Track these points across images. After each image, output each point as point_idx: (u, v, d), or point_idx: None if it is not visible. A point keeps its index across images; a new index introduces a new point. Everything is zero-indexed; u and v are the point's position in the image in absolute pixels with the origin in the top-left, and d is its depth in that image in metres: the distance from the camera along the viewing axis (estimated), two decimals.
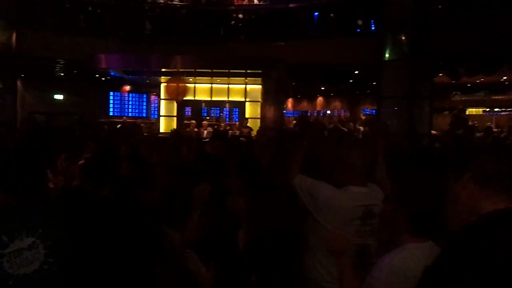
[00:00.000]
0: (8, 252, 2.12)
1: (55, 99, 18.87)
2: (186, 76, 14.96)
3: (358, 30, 13.54)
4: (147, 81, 17.32)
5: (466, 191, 1.52)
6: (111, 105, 19.98)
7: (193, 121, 14.71)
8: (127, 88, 19.35)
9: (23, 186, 2.32)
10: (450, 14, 11.21)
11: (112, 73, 16.14)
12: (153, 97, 19.88)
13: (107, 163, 2.84)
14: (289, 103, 22.68)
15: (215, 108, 17.60)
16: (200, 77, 15.04)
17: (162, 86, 15.79)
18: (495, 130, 14.17)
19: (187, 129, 13.78)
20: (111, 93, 19.81)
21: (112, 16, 14.61)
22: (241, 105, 15.94)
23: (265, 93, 15.36)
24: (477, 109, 19.11)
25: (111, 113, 19.69)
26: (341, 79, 16.95)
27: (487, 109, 18.99)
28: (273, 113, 15.47)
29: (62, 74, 17.06)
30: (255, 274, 1.94)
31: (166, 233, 2.92)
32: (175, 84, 13.47)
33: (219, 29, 14.81)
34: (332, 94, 22.20)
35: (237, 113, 17.10)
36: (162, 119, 15.82)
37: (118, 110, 20.00)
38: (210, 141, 7.24)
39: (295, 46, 13.79)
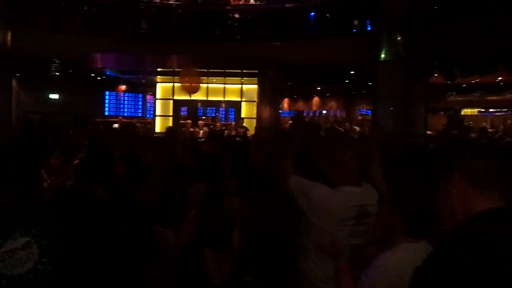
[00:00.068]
0: (1, 252, 2.11)
1: (51, 98, 18.81)
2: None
3: (354, 30, 13.56)
4: (143, 80, 17.29)
5: (457, 190, 1.53)
6: (106, 105, 19.92)
7: (189, 121, 14.70)
8: (123, 87, 19.31)
9: (17, 185, 2.31)
10: (446, 15, 11.25)
11: (108, 73, 16.11)
12: (149, 97, 19.84)
13: (101, 163, 2.83)
14: (285, 103, 22.71)
15: (211, 108, 17.58)
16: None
17: (159, 85, 15.78)
18: (490, 130, 14.23)
19: (183, 129, 13.76)
20: (107, 93, 19.76)
21: (107, 15, 14.57)
22: (237, 105, 15.94)
23: (261, 93, 15.38)
24: (472, 110, 19.19)
25: (106, 113, 19.64)
26: (337, 79, 16.98)
27: (482, 110, 19.07)
28: (269, 113, 15.49)
29: (57, 73, 17.01)
30: (250, 274, 1.94)
31: (161, 233, 2.92)
32: (189, 78, 13.11)
33: (215, 29, 14.80)
34: (328, 94, 22.24)
35: (233, 113, 17.10)
36: (157, 119, 15.80)
37: (114, 109, 19.95)
38: (206, 141, 7.24)
39: (291, 46, 13.80)
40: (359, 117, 18.87)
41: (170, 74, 15.06)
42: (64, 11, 14.53)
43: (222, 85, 15.49)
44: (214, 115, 17.27)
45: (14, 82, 15.24)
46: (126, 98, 20.34)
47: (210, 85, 15.48)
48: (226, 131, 13.53)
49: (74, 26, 14.45)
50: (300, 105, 23.12)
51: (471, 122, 16.17)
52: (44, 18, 14.20)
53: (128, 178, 3.47)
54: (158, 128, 15.35)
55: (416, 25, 11.43)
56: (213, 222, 2.86)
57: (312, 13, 14.33)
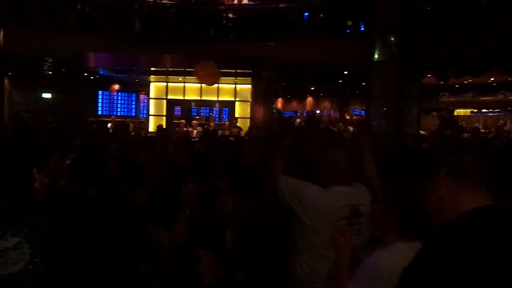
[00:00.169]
0: None
1: (43, 97, 18.71)
2: (175, 75, 14.93)
3: (348, 30, 13.58)
4: (136, 80, 17.23)
5: (443, 187, 1.54)
6: (99, 104, 19.83)
7: (183, 121, 14.67)
8: (116, 87, 19.23)
9: (9, 185, 2.29)
10: (439, 16, 11.30)
11: (101, 72, 16.04)
12: (142, 96, 19.77)
13: (93, 163, 2.82)
14: (279, 103, 22.70)
15: (205, 108, 17.56)
16: (190, 77, 14.99)
17: (152, 85, 15.74)
18: (482, 131, 14.32)
19: (177, 129, 13.73)
20: (100, 92, 19.66)
21: (101, 14, 14.50)
22: (231, 105, 15.92)
23: (255, 93, 15.38)
24: (465, 110, 19.30)
25: (99, 112, 19.54)
26: (331, 79, 17.01)
27: (475, 110, 19.18)
28: (263, 113, 15.49)
29: (50, 72, 16.91)
30: (242, 273, 1.94)
31: (154, 233, 2.91)
32: (205, 69, 12.91)
33: (209, 28, 14.77)
34: (321, 94, 22.27)
35: (227, 112, 17.08)
36: (151, 119, 15.76)
37: (107, 109, 19.86)
38: (200, 140, 7.23)
39: (285, 46, 13.80)
40: (354, 117, 18.90)
41: (163, 73, 15.02)
42: (57, 9, 14.45)
43: (216, 85, 15.47)
44: (208, 114, 17.25)
45: (6, 81, 15.16)
46: (119, 98, 20.26)
47: (203, 85, 15.45)
48: (220, 131, 13.52)
49: (67, 25, 14.37)
50: (294, 105, 23.14)
51: (463, 123, 16.26)
52: (37, 17, 14.11)
53: (121, 178, 3.46)
54: (151, 127, 15.31)
55: (410, 25, 11.49)
56: (206, 222, 2.86)
57: (306, 13, 14.34)
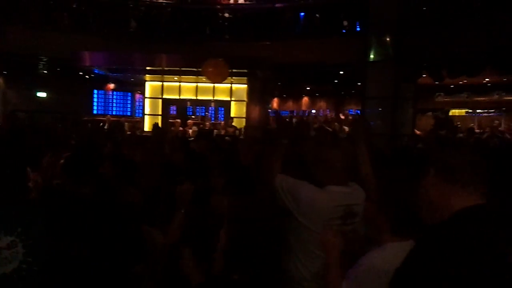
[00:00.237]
0: None
1: (38, 96, 18.64)
2: (171, 74, 14.91)
3: (344, 30, 13.60)
4: (132, 79, 17.19)
5: (434, 189, 1.54)
6: (95, 103, 19.78)
7: (178, 120, 14.65)
8: (111, 86, 19.17)
9: (3, 184, 2.28)
10: (434, 17, 11.33)
11: (96, 71, 16.00)
12: (137, 96, 19.73)
13: (88, 162, 2.81)
14: (275, 102, 22.70)
15: (201, 107, 17.53)
16: (186, 76, 14.98)
17: (148, 84, 15.71)
18: (477, 131, 14.36)
19: (172, 128, 13.71)
20: (95, 91, 19.62)
21: (96, 13, 14.47)
22: (226, 104, 15.91)
23: (250, 92, 15.37)
24: (460, 110, 19.35)
25: (95, 111, 19.50)
26: (326, 79, 17.02)
27: (470, 110, 19.24)
28: (259, 112, 15.49)
29: (45, 71, 16.84)
30: (237, 273, 1.94)
31: (149, 232, 2.90)
32: (215, 67, 12.77)
33: (204, 28, 14.76)
34: (317, 94, 22.28)
35: (222, 112, 17.07)
36: (146, 118, 15.73)
37: (102, 108, 19.82)
38: (195, 140, 7.22)
39: (281, 46, 13.81)
40: (350, 117, 18.92)
41: (159, 73, 15.00)
42: (52, 8, 14.40)
43: (212, 84, 15.46)
44: (203, 114, 17.23)
45: (1, 80, 15.11)
46: (114, 97, 20.21)
47: (199, 84, 15.45)
48: (215, 130, 13.50)
49: (63, 24, 14.33)
50: (290, 105, 23.14)
51: (458, 123, 16.31)
52: (32, 16, 14.06)
53: (115, 177, 3.45)
54: (147, 127, 15.28)
55: (405, 26, 11.51)
56: (200, 222, 2.86)
57: (302, 13, 14.35)
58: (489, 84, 16.49)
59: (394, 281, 1.48)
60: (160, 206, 3.41)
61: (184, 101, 16.21)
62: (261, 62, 13.46)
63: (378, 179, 2.80)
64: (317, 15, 14.11)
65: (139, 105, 19.25)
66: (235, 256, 1.96)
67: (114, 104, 20.27)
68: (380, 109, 12.12)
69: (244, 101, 15.44)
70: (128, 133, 10.98)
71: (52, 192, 3.43)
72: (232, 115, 15.33)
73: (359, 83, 14.57)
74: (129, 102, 20.57)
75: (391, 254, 1.88)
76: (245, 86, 15.31)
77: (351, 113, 20.64)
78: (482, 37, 10.18)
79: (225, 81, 15.03)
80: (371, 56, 12.16)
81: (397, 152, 5.92)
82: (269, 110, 19.68)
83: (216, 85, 15.28)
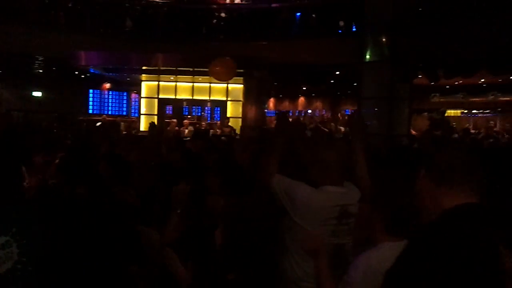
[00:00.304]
0: None
1: (34, 96, 18.59)
2: (167, 74, 14.89)
3: (340, 31, 13.61)
4: (128, 79, 17.16)
5: (425, 188, 1.55)
6: (90, 103, 19.74)
7: (174, 120, 14.63)
8: (107, 85, 19.15)
9: None
10: (430, 17, 11.37)
11: (92, 71, 15.96)
12: (133, 95, 19.71)
13: (83, 162, 2.80)
14: (271, 102, 22.72)
15: (197, 107, 17.52)
16: (182, 76, 14.97)
17: (144, 84, 15.68)
18: (472, 131, 14.42)
19: (168, 128, 13.69)
20: (91, 91, 19.58)
21: (92, 12, 14.42)
22: (222, 104, 15.90)
23: (246, 92, 15.37)
24: (455, 111, 19.43)
25: (90, 111, 19.46)
26: (322, 79, 17.05)
27: (465, 111, 19.32)
28: (255, 112, 15.49)
29: (40, 71, 16.81)
30: (232, 273, 1.94)
31: (144, 232, 2.90)
32: (222, 65, 12.62)
33: (201, 27, 14.74)
34: (313, 95, 22.32)
35: (218, 112, 17.06)
36: (142, 118, 15.70)
37: (98, 108, 19.79)
38: (191, 140, 7.22)
39: (277, 46, 13.81)
40: (345, 117, 18.96)
41: (155, 72, 14.97)
42: (48, 7, 14.34)
43: (208, 84, 15.45)
44: (199, 114, 17.22)
45: None
46: (110, 96, 20.18)
47: (195, 84, 15.44)
48: (211, 130, 13.50)
49: (58, 23, 14.26)
50: (286, 105, 23.16)
51: (454, 123, 16.38)
52: (27, 15, 13.99)
53: (111, 177, 3.44)
54: (143, 127, 15.25)
55: (401, 26, 11.54)
56: (196, 222, 2.85)
57: (298, 13, 14.36)
58: (484, 85, 16.56)
59: (385, 282, 1.49)
60: (156, 206, 3.40)
61: (180, 101, 16.19)
62: (257, 62, 13.45)
63: (373, 179, 2.81)
64: (313, 15, 14.11)
65: (135, 104, 19.23)
66: (231, 256, 1.96)
67: (110, 104, 20.23)
68: (376, 109, 12.14)
69: (240, 101, 15.43)
70: (124, 132, 10.95)
71: (47, 192, 3.42)
72: (228, 115, 15.32)
73: (355, 83, 14.60)
74: (124, 101, 20.55)
75: (387, 254, 1.88)
76: (241, 86, 15.31)
77: (347, 113, 20.70)
78: (478, 38, 10.22)
79: (221, 81, 15.06)
80: (367, 56, 12.18)
81: (393, 152, 5.94)
82: (265, 110, 19.69)
83: (212, 85, 15.27)
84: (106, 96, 20.06)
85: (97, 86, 19.15)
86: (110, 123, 14.31)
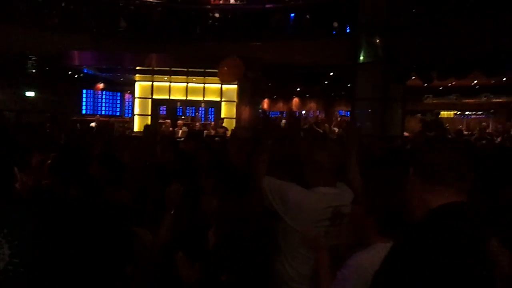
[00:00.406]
0: None
1: (27, 96, 18.46)
2: (161, 74, 14.85)
3: (334, 32, 13.65)
4: (121, 79, 17.11)
5: (414, 188, 1.55)
6: (84, 103, 19.65)
7: (168, 120, 14.60)
8: (101, 85, 19.06)
9: None
10: (424, 19, 11.42)
11: (85, 71, 15.91)
12: (127, 96, 19.63)
13: (75, 162, 2.79)
14: (265, 103, 22.72)
15: (191, 108, 17.49)
16: (176, 76, 14.95)
17: (138, 84, 15.63)
18: (465, 133, 14.50)
19: (162, 128, 13.67)
20: (84, 91, 19.49)
21: (85, 12, 14.36)
22: (216, 105, 15.90)
23: (241, 93, 15.37)
24: (448, 112, 19.52)
25: (84, 111, 19.37)
26: (316, 80, 17.09)
27: (458, 112, 19.42)
28: (249, 113, 15.49)
29: (34, 70, 16.71)
30: (225, 274, 1.94)
31: (137, 233, 2.89)
32: (230, 66, 12.55)
33: (195, 28, 14.73)
34: (307, 95, 22.34)
35: (212, 113, 17.05)
36: (136, 118, 15.66)
37: (91, 108, 19.70)
38: (185, 140, 7.20)
39: (271, 47, 13.82)
40: (338, 118, 19.01)
41: (149, 72, 14.94)
42: (41, 7, 14.27)
43: (202, 85, 15.44)
44: (193, 114, 17.19)
45: None
46: (104, 97, 20.10)
47: (189, 85, 15.42)
48: (205, 131, 13.49)
49: (52, 22, 14.20)
50: (280, 105, 23.17)
51: (447, 125, 16.46)
52: (20, 14, 13.92)
53: (104, 177, 3.43)
54: (136, 127, 15.21)
55: (395, 28, 11.58)
56: (190, 222, 2.85)
57: (292, 14, 14.38)
58: (477, 87, 16.66)
59: (373, 283, 1.50)
60: (149, 206, 3.40)
61: (174, 101, 16.17)
62: (251, 62, 13.45)
63: (366, 180, 2.82)
64: (307, 16, 14.14)
65: (129, 105, 19.17)
66: (223, 257, 1.96)
67: (103, 104, 20.15)
68: (369, 110, 12.18)
69: (234, 101, 15.43)
70: (118, 133, 10.93)
71: (40, 192, 3.40)
72: (222, 115, 15.32)
73: (348, 84, 14.63)
74: (118, 102, 20.47)
75: (378, 254, 1.88)
76: (235, 86, 15.31)
77: (340, 114, 20.76)
78: (471, 39, 10.27)
79: (215, 82, 15.06)
80: (361, 57, 12.21)
81: (386, 153, 5.95)
82: (260, 111, 19.67)
83: (206, 85, 15.27)
84: (100, 96, 19.97)
85: (91, 86, 19.05)
86: (106, 124, 14.27)
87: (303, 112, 22.35)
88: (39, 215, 2.39)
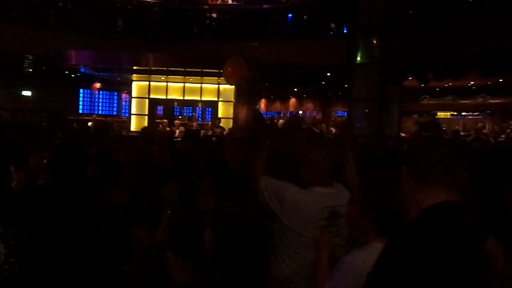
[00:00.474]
0: None
1: (23, 95, 18.41)
2: (158, 74, 14.83)
3: (331, 32, 13.67)
4: (118, 78, 17.07)
5: (407, 187, 1.56)
6: (80, 103, 19.63)
7: (165, 120, 14.59)
8: (98, 85, 19.02)
9: None
10: (421, 20, 11.45)
11: (82, 70, 15.86)
12: (124, 95, 19.60)
13: (72, 161, 2.78)
14: (262, 103, 22.73)
15: (188, 108, 17.48)
16: (173, 76, 14.93)
17: (134, 84, 15.61)
18: (462, 133, 14.52)
19: (159, 127, 13.65)
20: (81, 90, 19.47)
21: (83, 12, 14.34)
22: (214, 105, 15.89)
23: (238, 93, 15.36)
24: (445, 113, 19.57)
25: (80, 111, 19.34)
26: (314, 80, 17.10)
27: (455, 113, 19.46)
28: (246, 113, 15.48)
29: (30, 70, 16.66)
30: (220, 274, 1.94)
31: (133, 233, 2.89)
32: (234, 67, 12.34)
33: (192, 27, 14.72)
34: (304, 96, 22.36)
35: (209, 112, 17.04)
36: (133, 118, 15.63)
37: (88, 107, 19.67)
38: (182, 140, 7.20)
39: (268, 47, 13.83)
40: (337, 119, 19.04)
41: (146, 72, 14.92)
42: (38, 6, 14.25)
43: (199, 85, 15.42)
44: (190, 114, 17.18)
45: None
46: (100, 96, 20.07)
47: (186, 85, 15.40)
48: (202, 131, 13.47)
49: (49, 22, 14.17)
50: (277, 106, 23.19)
51: (444, 125, 16.50)
52: (17, 13, 13.89)
53: (101, 177, 3.42)
54: (133, 127, 15.18)
55: (392, 29, 11.61)
56: (186, 222, 2.85)
57: (290, 15, 14.40)
58: (474, 87, 16.71)
59: (366, 283, 1.50)
60: (145, 206, 3.39)
61: (171, 101, 16.15)
62: (248, 63, 13.44)
63: (363, 180, 2.82)
64: (304, 16, 14.16)
65: (126, 105, 19.14)
66: (219, 257, 1.96)
67: (100, 104, 20.12)
68: (366, 110, 12.20)
69: (231, 101, 15.42)
70: (114, 133, 10.89)
71: (36, 192, 3.40)
72: (219, 115, 15.31)
73: (346, 85, 14.66)
74: (115, 101, 20.44)
75: (373, 254, 1.89)
76: (233, 86, 15.29)
77: (338, 114, 20.78)
78: (468, 40, 10.31)
79: (213, 82, 15.06)
80: (358, 58, 12.24)
81: (383, 153, 5.96)
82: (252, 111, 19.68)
83: (203, 85, 15.25)
84: (97, 96, 19.95)
85: (88, 85, 19.02)
86: (105, 124, 14.24)
87: (300, 112, 22.36)
88: (35, 215, 2.39)
